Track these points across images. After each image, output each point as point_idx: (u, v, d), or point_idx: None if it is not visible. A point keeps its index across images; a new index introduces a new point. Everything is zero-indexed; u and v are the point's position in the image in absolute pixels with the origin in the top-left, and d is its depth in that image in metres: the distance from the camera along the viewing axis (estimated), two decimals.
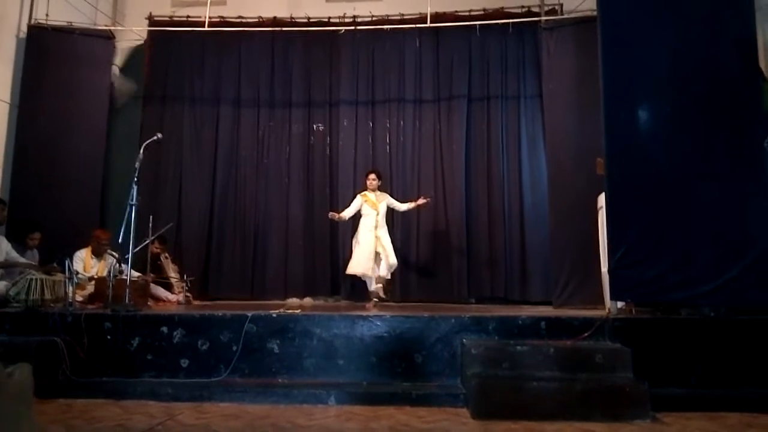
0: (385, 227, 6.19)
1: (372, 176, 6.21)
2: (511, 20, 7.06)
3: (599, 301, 5.17)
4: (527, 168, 7.10)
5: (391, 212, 6.41)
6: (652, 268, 4.28)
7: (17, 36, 6.85)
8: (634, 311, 4.65)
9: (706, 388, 3.87)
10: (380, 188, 6.30)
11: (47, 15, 6.93)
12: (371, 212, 6.10)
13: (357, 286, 6.67)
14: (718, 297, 4.22)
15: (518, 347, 3.89)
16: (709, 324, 4.15)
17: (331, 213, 6.26)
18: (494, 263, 7.02)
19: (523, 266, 6.94)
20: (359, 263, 5.99)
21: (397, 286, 7.02)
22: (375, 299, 5.95)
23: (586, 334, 4.07)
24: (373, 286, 6.04)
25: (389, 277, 6.22)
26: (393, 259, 6.08)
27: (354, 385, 3.99)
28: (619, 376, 3.71)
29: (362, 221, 6.15)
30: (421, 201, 6.22)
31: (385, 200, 6.23)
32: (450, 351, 4.13)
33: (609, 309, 4.64)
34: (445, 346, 4.14)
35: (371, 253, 5.97)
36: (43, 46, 6.89)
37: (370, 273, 5.97)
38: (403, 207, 6.28)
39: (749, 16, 4.52)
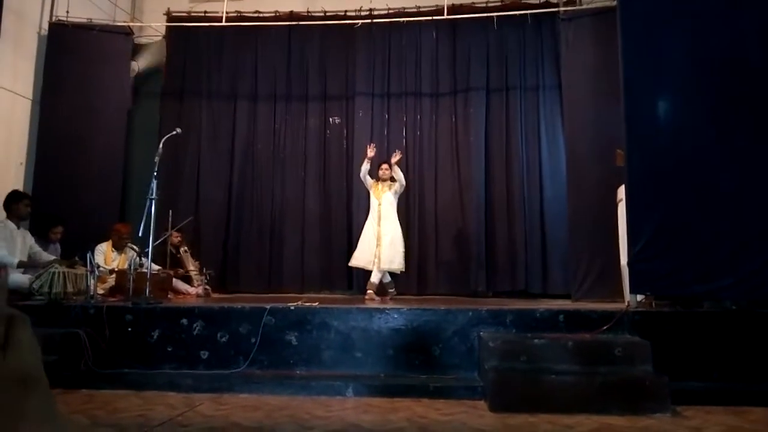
0: (392, 222, 6.07)
1: (384, 166, 6.18)
2: (529, 11, 6.98)
3: (619, 295, 5.13)
4: (546, 160, 7.04)
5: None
6: (672, 261, 4.23)
7: (38, 33, 6.94)
8: (653, 304, 4.59)
9: (727, 382, 3.82)
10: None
11: (68, 12, 7.01)
12: (374, 202, 6.11)
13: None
14: (740, 290, 4.16)
15: (536, 340, 3.87)
16: (730, 317, 4.09)
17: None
18: (513, 256, 6.98)
19: (543, 259, 6.89)
20: (359, 255, 6.05)
21: (414, 279, 7.02)
22: (370, 291, 5.90)
23: (605, 328, 4.04)
24: (376, 278, 5.99)
25: (376, 280, 6.00)
26: (390, 264, 5.98)
27: (371, 378, 4.00)
28: (639, 369, 3.67)
29: (370, 211, 6.17)
30: (394, 158, 6.17)
31: (390, 189, 6.13)
32: (467, 344, 4.12)
33: (628, 302, 4.58)
34: (463, 339, 4.13)
35: (373, 245, 5.97)
36: (64, 43, 6.97)
37: (370, 266, 5.99)
38: (399, 177, 6.12)
39: None
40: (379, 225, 6.03)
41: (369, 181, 6.17)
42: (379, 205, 6.07)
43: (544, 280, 6.84)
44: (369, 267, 6.01)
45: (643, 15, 4.60)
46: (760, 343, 3.91)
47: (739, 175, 4.24)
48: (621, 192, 4.87)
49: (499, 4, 7.13)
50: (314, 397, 3.75)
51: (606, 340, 3.92)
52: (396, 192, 6.16)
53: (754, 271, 4.11)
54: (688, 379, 3.81)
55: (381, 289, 6.11)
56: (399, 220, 6.21)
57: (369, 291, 5.93)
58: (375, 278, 6.01)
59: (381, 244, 5.99)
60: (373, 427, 3.08)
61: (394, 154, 6.30)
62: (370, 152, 6.13)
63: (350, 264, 6.25)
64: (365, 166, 6.13)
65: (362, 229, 6.24)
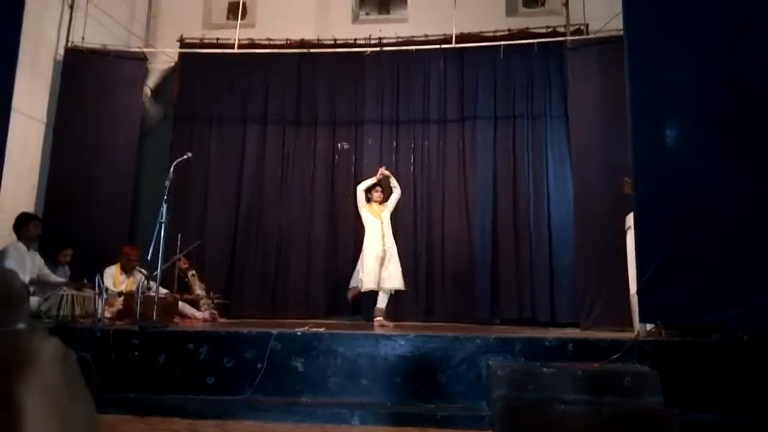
0: (392, 240, 6.10)
1: (378, 188, 6.22)
2: (536, 40, 7.06)
3: (627, 323, 5.08)
4: (553, 188, 7.05)
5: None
6: (681, 289, 4.18)
7: (55, 58, 7.08)
8: (663, 334, 4.55)
9: (739, 414, 3.76)
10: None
11: (83, 38, 7.16)
12: (375, 222, 6.07)
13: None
14: (752, 320, 4.10)
15: (545, 369, 3.84)
16: (742, 347, 4.04)
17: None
18: (520, 284, 6.94)
19: (550, 287, 6.84)
20: (365, 278, 5.94)
21: (422, 305, 6.98)
22: (379, 317, 5.83)
23: (614, 357, 3.99)
24: (383, 302, 5.94)
25: (383, 304, 5.98)
26: (399, 283, 5.98)
27: (378, 406, 3.97)
28: (649, 400, 3.62)
29: (367, 234, 6.09)
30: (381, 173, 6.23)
31: (387, 210, 6.19)
32: (475, 372, 4.08)
33: (638, 331, 4.54)
34: (470, 367, 4.10)
35: (378, 266, 5.92)
36: (79, 68, 7.10)
37: (375, 287, 5.92)
38: (396, 190, 6.24)
39: None
40: (383, 244, 6.00)
41: (362, 198, 6.17)
42: (382, 224, 6.06)
43: (551, 308, 6.79)
44: (375, 288, 5.91)
45: (649, 44, 4.64)
46: None
47: (749, 203, 4.21)
48: (629, 220, 4.86)
49: (506, 33, 7.22)
50: (320, 425, 3.72)
51: (615, 369, 3.87)
52: (390, 208, 6.22)
53: (766, 300, 4.06)
54: (700, 410, 3.74)
55: (374, 312, 6.02)
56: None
57: (378, 318, 5.88)
58: (382, 303, 5.96)
59: (387, 264, 5.96)
60: None
61: (382, 169, 6.30)
62: (380, 176, 6.20)
63: (362, 290, 6.08)
64: (369, 183, 6.19)
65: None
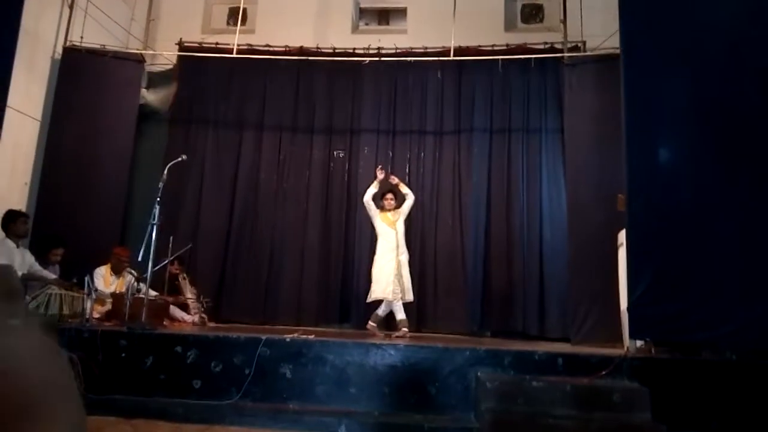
0: (407, 253, 6.07)
1: (389, 195, 6.15)
2: (533, 56, 7.12)
3: (618, 339, 5.07)
4: (547, 202, 7.07)
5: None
6: (672, 306, 4.21)
7: (52, 57, 7.06)
8: (653, 351, 4.55)
9: None
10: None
11: (82, 38, 7.15)
12: (389, 231, 6.00)
13: (369, 315, 6.56)
14: (741, 338, 4.12)
15: (534, 383, 3.83)
16: (730, 367, 4.05)
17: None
18: (512, 298, 6.94)
19: (541, 302, 6.85)
20: (380, 288, 5.82)
21: (413, 316, 6.95)
22: (405, 328, 5.72)
23: (603, 372, 3.99)
24: (401, 314, 5.83)
25: (382, 313, 5.95)
26: (410, 295, 5.94)
27: (365, 415, 3.94)
28: (637, 416, 3.62)
29: (380, 243, 6.04)
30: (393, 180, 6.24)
31: (401, 217, 6.12)
32: (464, 384, 4.07)
33: (627, 347, 4.55)
34: (459, 378, 4.08)
35: (393, 276, 5.80)
36: (77, 68, 7.08)
37: (390, 297, 5.80)
38: (409, 196, 6.17)
39: None
40: (397, 254, 5.92)
41: (373, 207, 6.12)
42: (396, 233, 5.99)
43: (541, 322, 6.79)
44: (389, 298, 5.82)
45: (645, 62, 4.69)
46: (760, 395, 3.86)
47: (741, 222, 4.25)
48: (621, 236, 4.88)
49: (504, 47, 7.27)
50: None
51: (605, 385, 3.88)
52: (404, 215, 6.14)
53: (755, 320, 4.08)
54: (687, 428, 3.74)
55: (393, 324, 5.97)
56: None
57: (373, 324, 5.84)
58: (382, 311, 5.92)
59: (403, 274, 5.90)
60: None
61: (390, 177, 6.30)
62: (380, 175, 6.15)
63: (370, 299, 6.00)
64: (373, 190, 6.13)
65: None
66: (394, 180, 6.27)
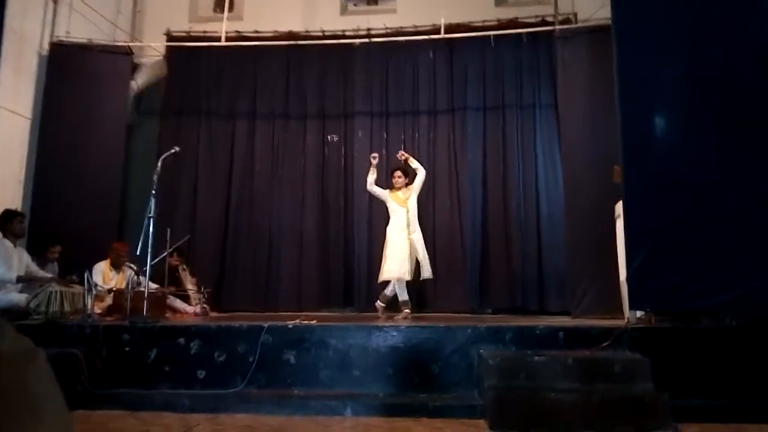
0: (419, 231, 5.90)
1: (398, 173, 5.97)
2: (525, 30, 7.06)
3: (618, 311, 5.10)
4: (543, 177, 7.07)
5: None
6: (671, 276, 4.21)
7: (39, 53, 6.99)
8: (653, 321, 4.58)
9: (728, 399, 3.79)
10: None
11: (68, 32, 7.09)
12: (400, 210, 5.85)
13: (372, 298, 6.59)
14: (741, 306, 4.13)
15: (536, 358, 3.85)
16: (730, 334, 4.07)
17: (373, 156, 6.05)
18: (511, 274, 6.97)
19: (540, 276, 6.88)
20: (394, 267, 5.70)
21: (413, 296, 6.96)
22: (407, 310, 5.66)
23: (604, 344, 4.01)
24: (405, 295, 5.75)
25: (390, 293, 5.87)
26: (428, 272, 5.84)
27: (370, 397, 3.96)
28: (639, 386, 3.64)
29: (391, 222, 5.88)
30: (402, 156, 6.04)
31: (413, 194, 5.92)
32: (467, 362, 4.09)
33: (628, 318, 4.57)
34: (462, 356, 4.10)
35: (407, 254, 5.69)
36: (64, 63, 7.03)
37: (407, 276, 5.70)
38: (420, 171, 5.92)
39: (767, 20, 4.46)
40: (408, 232, 5.79)
41: (379, 191, 6.01)
42: (407, 212, 5.83)
43: (540, 297, 6.82)
44: (405, 278, 5.72)
45: (637, 33, 4.64)
46: (761, 359, 3.88)
47: (738, 190, 4.23)
48: (619, 208, 4.87)
49: (495, 23, 7.21)
50: (312, 417, 3.71)
51: (606, 357, 3.89)
52: (416, 191, 5.95)
53: (754, 288, 4.08)
54: (689, 396, 3.77)
55: (396, 305, 5.86)
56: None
57: (381, 304, 5.82)
58: (390, 291, 5.84)
59: (419, 251, 5.79)
60: None
61: (400, 154, 6.12)
62: (375, 161, 6.01)
63: (381, 279, 5.89)
64: (372, 177, 6.00)
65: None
66: (404, 156, 6.05)
